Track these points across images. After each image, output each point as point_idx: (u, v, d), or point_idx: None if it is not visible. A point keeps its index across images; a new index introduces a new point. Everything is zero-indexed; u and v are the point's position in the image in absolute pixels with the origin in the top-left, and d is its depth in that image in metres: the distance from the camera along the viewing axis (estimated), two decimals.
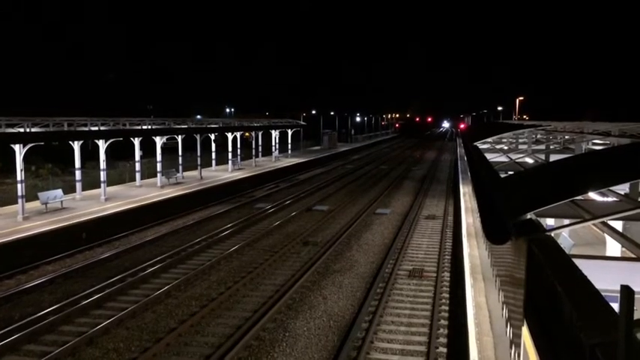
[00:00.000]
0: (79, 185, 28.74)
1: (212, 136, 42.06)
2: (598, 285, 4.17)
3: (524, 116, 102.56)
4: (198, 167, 38.65)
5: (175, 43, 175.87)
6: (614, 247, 10.63)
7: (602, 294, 3.92)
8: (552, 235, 6.68)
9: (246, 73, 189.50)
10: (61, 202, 25.78)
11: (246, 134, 56.82)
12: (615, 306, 2.94)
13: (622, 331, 2.40)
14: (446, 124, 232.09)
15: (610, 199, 9.62)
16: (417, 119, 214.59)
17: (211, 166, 44.17)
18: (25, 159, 23.65)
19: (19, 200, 22.86)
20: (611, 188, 9.16)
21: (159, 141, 34.11)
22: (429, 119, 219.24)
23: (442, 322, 14.44)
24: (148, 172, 37.54)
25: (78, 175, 28.79)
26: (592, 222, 7.18)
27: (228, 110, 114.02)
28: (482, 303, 12.71)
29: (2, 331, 13.15)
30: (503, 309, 10.82)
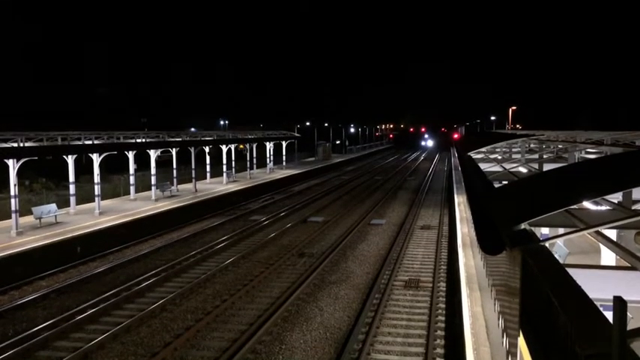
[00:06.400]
0: (73, 199, 28.63)
1: (206, 149, 42.05)
2: (593, 294, 4.20)
3: (517, 125, 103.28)
4: (193, 180, 38.59)
5: (175, 61, 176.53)
6: (608, 256, 10.67)
7: (597, 303, 3.94)
8: (547, 243, 6.71)
9: (240, 83, 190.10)
10: (55, 216, 25.65)
11: (241, 146, 56.83)
12: (610, 315, 2.96)
13: (615, 342, 2.41)
14: (429, 142, 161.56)
15: (604, 207, 9.67)
16: (412, 130, 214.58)
17: (206, 178, 44.10)
18: (19, 173, 23.55)
19: (13, 215, 22.72)
20: (604, 197, 9.21)
21: (153, 154, 34.07)
22: (423, 129, 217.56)
23: (439, 332, 14.41)
24: (143, 186, 37.44)
25: (72, 189, 28.68)
26: (586, 231, 7.21)
27: (222, 122, 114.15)
28: (478, 313, 12.70)
29: None
30: (499, 319, 10.82)
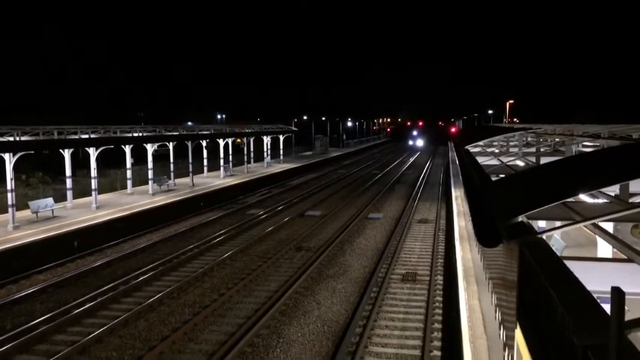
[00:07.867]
0: (69, 193, 28.56)
1: (204, 143, 41.97)
2: (590, 286, 4.20)
3: (515, 119, 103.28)
4: (190, 174, 38.54)
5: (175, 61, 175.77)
6: (605, 249, 10.69)
7: (594, 295, 3.95)
8: (544, 237, 6.72)
9: (238, 77, 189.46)
10: (52, 210, 25.61)
11: (238, 140, 56.72)
12: (607, 307, 2.97)
13: (613, 332, 2.42)
14: (419, 142, 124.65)
15: (600, 200, 9.67)
16: (409, 123, 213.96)
17: (203, 172, 44.06)
18: (15, 168, 23.48)
19: (10, 209, 22.68)
20: (601, 190, 9.21)
21: (150, 148, 33.99)
22: (420, 123, 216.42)
23: (436, 325, 14.46)
24: (140, 180, 37.39)
25: (69, 183, 28.61)
26: (583, 224, 7.22)
27: (219, 116, 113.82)
28: (475, 306, 12.74)
29: None
30: (496, 312, 10.84)
